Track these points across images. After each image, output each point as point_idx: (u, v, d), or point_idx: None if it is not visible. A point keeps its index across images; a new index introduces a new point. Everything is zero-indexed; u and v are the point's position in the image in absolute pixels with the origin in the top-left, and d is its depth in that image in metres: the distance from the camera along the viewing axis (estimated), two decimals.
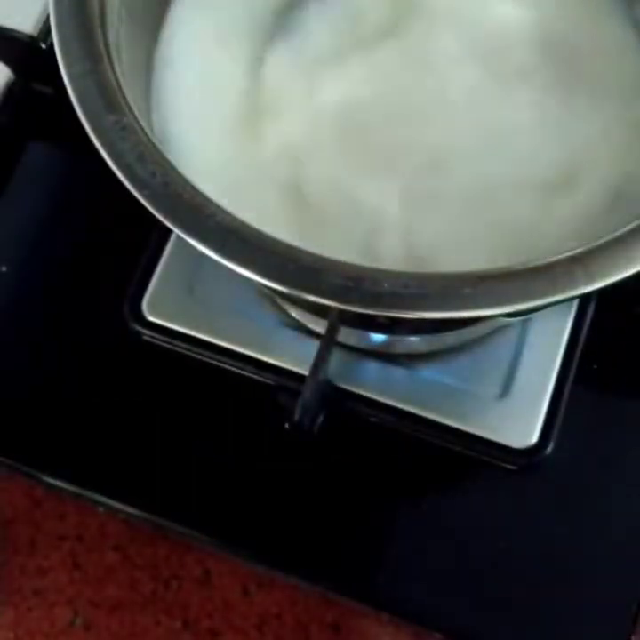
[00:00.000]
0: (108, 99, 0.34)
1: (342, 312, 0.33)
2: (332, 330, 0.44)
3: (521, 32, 0.41)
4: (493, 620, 0.44)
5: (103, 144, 0.33)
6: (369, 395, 0.46)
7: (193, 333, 0.47)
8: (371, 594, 0.45)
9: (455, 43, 0.41)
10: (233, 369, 0.47)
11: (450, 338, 0.46)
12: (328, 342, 0.44)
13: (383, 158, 0.40)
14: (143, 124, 0.35)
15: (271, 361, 0.47)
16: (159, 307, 0.48)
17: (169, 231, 0.33)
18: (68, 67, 0.35)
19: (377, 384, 0.46)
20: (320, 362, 0.44)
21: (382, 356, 0.47)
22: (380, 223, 0.39)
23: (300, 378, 0.45)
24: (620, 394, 0.46)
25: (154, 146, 0.34)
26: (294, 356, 0.46)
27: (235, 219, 0.33)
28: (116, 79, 0.35)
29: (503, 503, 0.45)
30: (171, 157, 0.34)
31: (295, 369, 0.46)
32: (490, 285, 0.31)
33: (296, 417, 0.44)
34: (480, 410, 0.45)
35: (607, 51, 0.41)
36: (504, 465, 0.45)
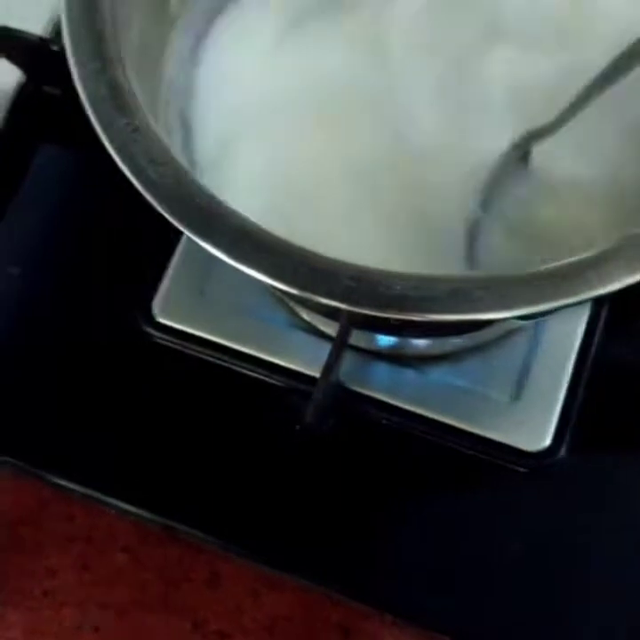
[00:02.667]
0: (119, 100, 0.34)
1: (353, 314, 0.33)
2: (343, 332, 0.44)
3: None
4: (500, 623, 0.44)
5: (114, 146, 0.33)
6: (380, 397, 0.46)
7: (204, 335, 0.47)
8: (380, 596, 0.45)
9: None
10: (244, 371, 0.47)
11: (461, 340, 0.46)
12: (339, 345, 0.44)
13: None
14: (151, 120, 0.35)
15: (282, 363, 0.47)
16: (170, 309, 0.48)
17: (180, 233, 0.33)
18: (78, 68, 0.35)
19: (388, 386, 0.46)
20: (331, 364, 0.43)
21: (393, 358, 0.46)
22: None
23: (312, 380, 0.45)
24: (634, 397, 0.46)
25: (165, 148, 0.34)
26: (305, 358, 0.46)
27: (246, 221, 0.33)
28: (128, 81, 0.35)
29: (514, 506, 0.45)
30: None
31: (306, 371, 0.46)
32: (501, 288, 0.31)
33: (307, 419, 0.44)
34: (492, 413, 0.45)
35: None
36: (515, 468, 0.45)
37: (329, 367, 0.43)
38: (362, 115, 0.41)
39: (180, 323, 0.48)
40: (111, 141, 0.34)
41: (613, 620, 0.43)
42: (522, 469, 0.45)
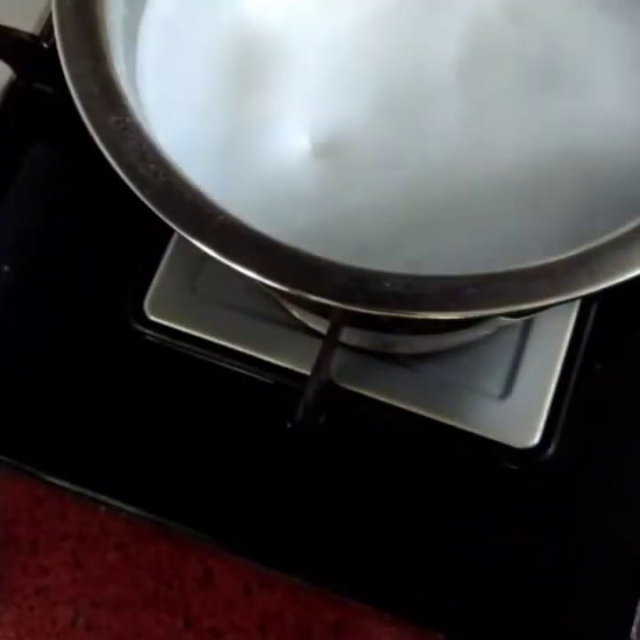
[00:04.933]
0: (110, 98, 0.35)
1: (344, 312, 0.33)
2: (334, 330, 0.44)
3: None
4: (494, 620, 0.44)
5: (106, 144, 0.34)
6: (370, 394, 0.46)
7: (195, 333, 0.47)
8: (372, 594, 0.45)
9: None
10: (235, 368, 0.47)
11: (452, 338, 0.46)
12: (330, 342, 0.44)
13: None
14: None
15: (273, 360, 0.47)
16: (161, 306, 0.48)
17: (171, 231, 0.33)
18: (70, 66, 0.35)
19: (378, 384, 0.46)
20: (322, 361, 0.44)
21: (384, 355, 0.46)
22: None
23: (302, 377, 0.45)
24: (623, 394, 0.46)
25: (156, 145, 0.34)
26: (296, 356, 0.46)
27: (237, 219, 0.33)
28: (118, 78, 0.35)
29: (504, 503, 0.45)
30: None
31: (297, 368, 0.46)
32: (492, 286, 0.31)
33: (298, 416, 0.44)
34: (482, 410, 0.45)
35: None
36: (506, 465, 0.45)
37: (319, 365, 0.43)
38: None
39: (171, 320, 0.48)
40: (102, 139, 0.34)
41: (607, 615, 0.43)
42: (512, 466, 0.45)
